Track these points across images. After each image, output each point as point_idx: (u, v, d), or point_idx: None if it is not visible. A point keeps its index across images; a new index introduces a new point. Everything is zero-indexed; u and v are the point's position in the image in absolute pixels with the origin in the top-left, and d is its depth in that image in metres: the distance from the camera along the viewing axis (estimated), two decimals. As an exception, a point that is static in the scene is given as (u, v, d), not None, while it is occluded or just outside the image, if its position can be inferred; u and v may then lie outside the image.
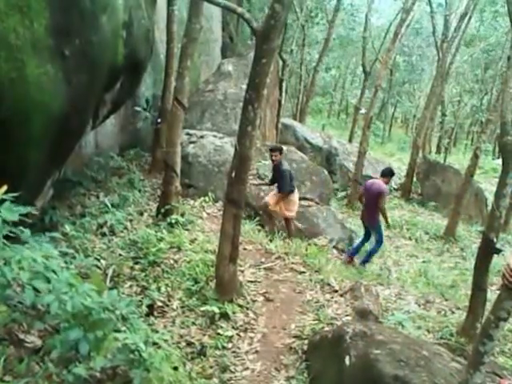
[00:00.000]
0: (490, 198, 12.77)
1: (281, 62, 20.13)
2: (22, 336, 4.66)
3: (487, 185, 18.60)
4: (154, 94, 13.32)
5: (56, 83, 5.35)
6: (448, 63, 20.63)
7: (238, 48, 20.67)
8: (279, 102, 19.07)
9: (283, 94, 20.36)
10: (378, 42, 28.38)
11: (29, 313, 4.60)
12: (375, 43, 27.49)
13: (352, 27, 33.91)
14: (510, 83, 7.32)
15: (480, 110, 31.23)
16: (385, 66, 17.98)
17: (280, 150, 10.22)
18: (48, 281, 4.14)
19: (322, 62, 25.96)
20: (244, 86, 7.78)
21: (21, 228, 4.25)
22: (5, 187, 3.98)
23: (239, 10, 6.89)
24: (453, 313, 7.96)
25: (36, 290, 4.07)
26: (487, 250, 6.94)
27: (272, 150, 10.21)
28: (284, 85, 20.45)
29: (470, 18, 20.72)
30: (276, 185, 10.35)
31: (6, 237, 4.10)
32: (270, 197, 10.29)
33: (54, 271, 4.24)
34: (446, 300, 8.48)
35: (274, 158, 10.04)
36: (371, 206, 9.84)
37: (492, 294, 7.86)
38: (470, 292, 7.25)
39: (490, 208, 7.68)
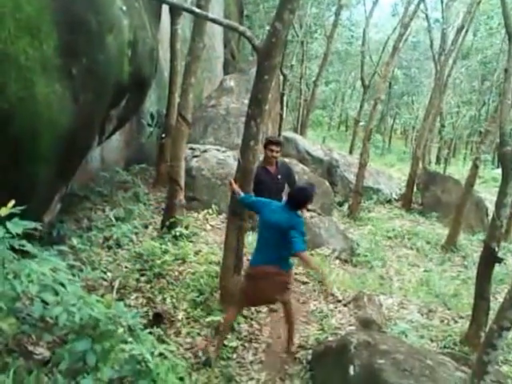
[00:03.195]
0: (491, 208, 12.82)
1: (281, 77, 20.28)
2: (31, 348, 4.73)
3: (487, 194, 18.59)
4: (158, 109, 13.46)
5: (64, 101, 5.48)
6: (446, 75, 20.70)
7: (239, 64, 20.80)
8: (280, 115, 19.21)
9: (284, 107, 20.51)
10: (376, 55, 28.50)
11: (37, 325, 4.66)
12: (373, 57, 27.63)
13: (350, 41, 34.09)
14: (508, 95, 7.43)
15: (478, 120, 31.36)
16: (384, 80, 18.07)
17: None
18: (56, 293, 4.22)
19: (322, 76, 26.10)
20: (246, 101, 7.88)
21: (27, 242, 4.34)
22: (12, 202, 4.07)
23: (241, 28, 7.03)
24: (456, 322, 7.99)
25: (44, 302, 4.16)
26: (489, 259, 7.01)
27: (277, 142, 7.94)
28: (285, 99, 20.63)
29: (467, 31, 20.85)
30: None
31: (16, 250, 4.20)
32: None
33: (62, 284, 4.32)
34: (449, 309, 8.51)
35: (276, 153, 7.85)
36: None
37: (495, 302, 7.95)
38: (472, 301, 7.30)
39: (490, 217, 7.74)
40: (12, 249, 4.13)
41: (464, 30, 19.33)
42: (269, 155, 7.77)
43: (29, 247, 4.39)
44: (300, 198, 6.07)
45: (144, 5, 8.09)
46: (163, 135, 11.92)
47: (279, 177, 7.87)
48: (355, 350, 5.39)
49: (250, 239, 9.15)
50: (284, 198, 7.06)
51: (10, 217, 4.04)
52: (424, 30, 29.55)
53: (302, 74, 26.18)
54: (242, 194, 6.63)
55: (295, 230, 5.72)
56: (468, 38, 25.18)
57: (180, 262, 8.23)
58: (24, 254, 4.40)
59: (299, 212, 6.14)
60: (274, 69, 6.52)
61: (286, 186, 7.97)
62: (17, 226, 4.07)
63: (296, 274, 8.55)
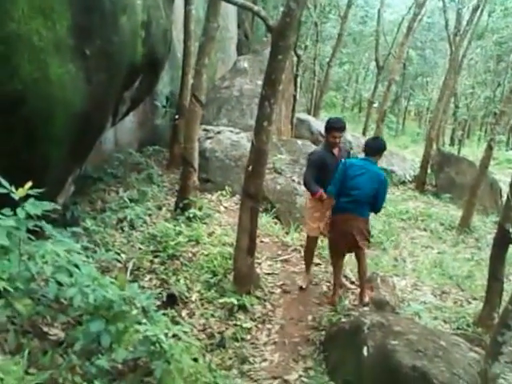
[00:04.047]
0: (505, 189, 12.71)
1: (295, 58, 20.13)
2: (45, 329, 4.74)
3: (502, 176, 18.47)
4: (171, 91, 13.42)
5: (77, 82, 5.47)
6: (460, 56, 20.54)
7: (253, 45, 20.70)
8: (294, 97, 19.07)
9: (298, 89, 20.39)
10: (390, 36, 28.29)
11: (52, 306, 4.66)
12: (388, 38, 27.42)
13: (364, 22, 33.83)
14: (523, 75, 7.34)
15: (493, 101, 31.03)
16: (398, 60, 17.97)
17: None
18: (70, 274, 4.26)
19: (336, 57, 25.89)
20: (259, 82, 7.84)
21: (44, 223, 4.36)
22: (29, 183, 4.08)
23: (255, 8, 7.00)
24: (469, 303, 7.98)
25: (59, 283, 4.18)
26: (503, 241, 6.95)
27: (340, 128, 7.42)
28: (298, 80, 20.48)
29: (482, 11, 20.63)
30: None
31: (31, 231, 4.22)
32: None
33: (76, 265, 4.35)
34: (462, 290, 8.49)
35: (339, 139, 7.51)
36: None
37: (509, 284, 7.92)
38: (486, 282, 7.27)
39: (504, 199, 7.70)
40: (26, 230, 4.15)
41: (479, 10, 19.15)
42: (331, 141, 7.41)
43: (48, 228, 4.43)
44: (378, 146, 7.21)
45: (157, -15, 8.04)
46: (176, 116, 11.90)
47: (342, 160, 7.31)
48: (369, 331, 5.41)
49: (263, 221, 9.17)
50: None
51: (24, 198, 4.04)
52: (439, 11, 29.22)
53: (315, 55, 26.01)
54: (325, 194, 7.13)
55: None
56: (483, 19, 24.93)
57: (194, 243, 8.25)
58: (38, 235, 4.42)
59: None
60: (288, 49, 6.49)
61: None
62: (35, 208, 4.09)
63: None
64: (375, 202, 7.00)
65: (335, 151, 7.48)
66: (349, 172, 6.87)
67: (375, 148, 7.16)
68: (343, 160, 7.12)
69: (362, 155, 7.24)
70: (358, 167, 6.92)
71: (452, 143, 31.62)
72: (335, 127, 7.34)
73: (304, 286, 7.62)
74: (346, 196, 6.85)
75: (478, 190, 13.04)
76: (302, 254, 8.27)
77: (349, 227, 6.90)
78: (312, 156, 7.62)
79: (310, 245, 7.82)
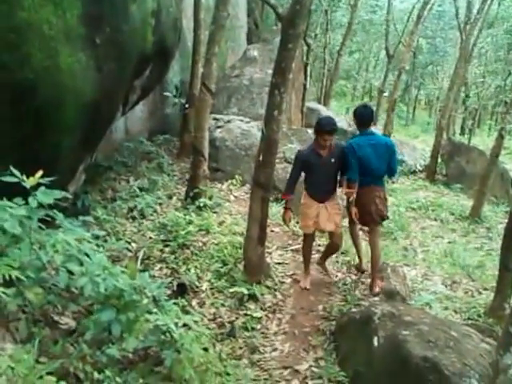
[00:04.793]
0: (516, 179, 12.70)
1: (305, 47, 20.07)
2: (56, 318, 4.76)
3: (512, 165, 18.44)
4: (181, 80, 13.43)
5: (88, 71, 5.48)
6: (471, 45, 20.40)
7: (262, 34, 20.66)
8: (304, 86, 19.05)
9: (308, 78, 20.33)
10: (400, 25, 28.16)
11: (63, 295, 4.67)
12: (398, 26, 27.28)
13: (374, 10, 33.66)
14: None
15: (504, 90, 30.84)
16: (408, 49, 17.90)
17: None
18: (81, 263, 4.28)
19: (346, 45, 25.78)
20: (269, 71, 7.80)
21: (55, 211, 4.37)
22: (40, 172, 4.09)
23: (266, -4, 6.97)
24: (480, 293, 7.94)
25: (70, 272, 4.21)
26: (514, 230, 6.94)
27: (330, 131, 6.89)
28: (308, 69, 20.40)
29: (493, -1, 20.51)
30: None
31: (41, 220, 4.24)
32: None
33: (86, 254, 4.37)
34: (473, 281, 8.45)
35: (329, 141, 7.00)
36: None
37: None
38: (497, 272, 7.23)
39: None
40: (37, 219, 4.16)
41: (490, -2, 19.01)
42: (321, 143, 6.95)
43: (59, 217, 4.44)
44: (371, 114, 7.20)
45: (167, -27, 8.02)
46: (187, 105, 11.89)
47: (332, 160, 7.03)
48: (379, 321, 5.39)
49: (274, 210, 9.16)
50: (338, 181, 7.36)
51: (35, 187, 4.05)
52: (449, -1, 29.13)
53: (325, 43, 25.90)
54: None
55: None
56: (494, 7, 24.76)
57: (204, 232, 8.26)
58: (48, 224, 4.43)
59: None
60: (298, 37, 6.46)
61: None
62: (47, 197, 4.10)
63: (319, 245, 8.57)
64: (391, 169, 7.19)
65: (323, 152, 7.02)
66: (360, 154, 6.88)
67: (370, 117, 7.18)
68: (349, 144, 7.13)
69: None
70: (365, 146, 6.95)
71: (462, 132, 31.46)
72: (326, 130, 6.87)
73: (308, 287, 7.45)
74: (367, 175, 6.91)
75: (488, 180, 12.99)
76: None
77: (373, 198, 7.08)
78: (297, 155, 7.24)
79: (306, 242, 7.60)
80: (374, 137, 7.14)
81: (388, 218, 7.64)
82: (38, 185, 4.09)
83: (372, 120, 7.24)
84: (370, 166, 6.92)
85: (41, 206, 4.09)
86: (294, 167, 7.28)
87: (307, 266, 7.61)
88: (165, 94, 12.53)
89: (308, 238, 7.58)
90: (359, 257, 7.92)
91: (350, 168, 6.97)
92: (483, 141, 25.59)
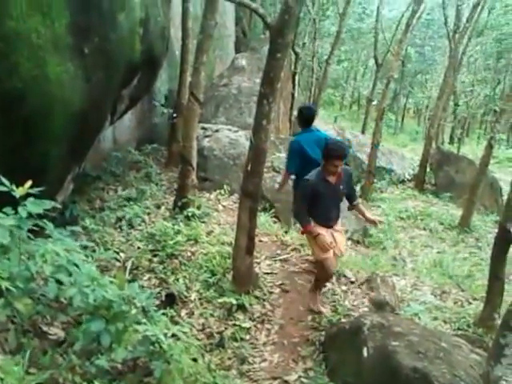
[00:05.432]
0: (505, 188, 12.77)
1: (293, 56, 20.14)
2: (45, 328, 4.77)
3: (502, 174, 18.52)
4: (169, 89, 13.39)
5: (76, 80, 5.46)
6: (460, 53, 20.57)
7: (251, 42, 20.70)
8: (292, 95, 19.11)
9: (296, 87, 20.39)
10: (389, 33, 28.31)
11: (52, 305, 4.70)
12: (386, 35, 27.42)
13: (362, 19, 33.87)
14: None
15: (493, 99, 31.07)
16: (397, 58, 17.94)
17: None
18: (70, 274, 4.27)
19: (334, 54, 25.84)
20: (258, 80, 7.81)
21: (45, 221, 4.35)
22: (30, 182, 4.07)
23: (253, 5, 6.97)
24: (469, 303, 7.95)
25: (59, 282, 4.19)
26: (504, 240, 6.95)
27: (342, 156, 6.29)
28: (297, 78, 20.48)
29: (483, 7, 20.66)
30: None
31: (30, 230, 4.22)
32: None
33: (75, 264, 4.35)
34: (463, 290, 8.47)
35: (340, 167, 6.36)
36: None
37: (510, 284, 7.91)
38: (486, 282, 7.25)
39: (505, 198, 7.69)
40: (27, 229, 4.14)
41: (479, 7, 19.18)
42: (330, 170, 6.32)
43: (49, 227, 4.42)
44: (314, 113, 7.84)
45: (155, -18, 8.03)
46: (175, 115, 11.87)
47: (341, 187, 6.56)
48: (369, 332, 5.38)
49: (262, 220, 9.15)
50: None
51: (23, 197, 4.03)
52: (438, 8, 29.31)
53: (314, 52, 25.99)
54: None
55: None
56: (483, 15, 24.97)
57: (192, 242, 8.21)
58: (37, 234, 4.41)
59: None
60: (286, 46, 6.45)
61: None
62: (36, 206, 4.08)
63: (308, 254, 8.55)
64: None
65: (332, 179, 6.43)
66: (304, 148, 7.46)
67: (313, 116, 7.83)
68: (294, 140, 7.81)
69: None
70: (309, 141, 7.48)
71: (451, 141, 31.66)
72: (336, 155, 6.24)
73: (324, 311, 6.94)
74: (311, 167, 6.83)
75: (477, 189, 13.07)
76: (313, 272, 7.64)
77: None
78: (305, 185, 6.51)
79: (326, 267, 6.67)
80: (315, 133, 7.68)
81: None
82: (27, 195, 4.06)
83: (314, 119, 7.84)
84: (313, 158, 7.15)
85: (30, 215, 4.06)
86: (301, 198, 6.56)
87: (320, 291, 7.24)
88: (153, 102, 12.53)
89: (327, 262, 6.61)
90: None
91: (292, 162, 7.63)
92: (472, 150, 25.74)
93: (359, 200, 7.11)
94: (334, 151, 6.21)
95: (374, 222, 6.82)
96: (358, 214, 7.07)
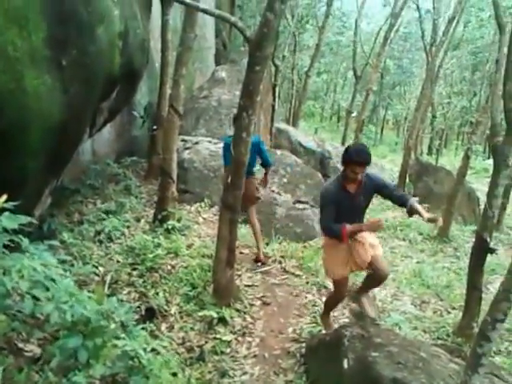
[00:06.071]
0: (482, 198, 12.84)
1: (273, 68, 20.22)
2: (21, 345, 4.69)
3: (479, 185, 18.71)
4: (149, 101, 13.35)
5: (54, 93, 5.40)
6: (437, 66, 20.80)
7: (231, 55, 20.76)
8: (273, 106, 19.16)
9: (276, 99, 20.47)
10: (367, 46, 28.57)
11: (28, 322, 4.61)
12: (365, 48, 27.67)
13: (342, 32, 34.11)
14: (499, 85, 7.46)
15: (469, 111, 31.43)
16: (376, 70, 18.14)
17: None
18: (47, 289, 4.16)
19: (314, 66, 26.04)
20: (237, 92, 7.82)
21: (20, 237, 4.29)
22: (4, 196, 4.02)
23: (233, 19, 6.96)
24: (448, 313, 8.02)
25: (36, 298, 4.11)
26: (481, 250, 7.02)
27: (364, 163, 5.54)
28: (277, 90, 20.56)
29: (458, 22, 20.94)
30: None
31: (6, 246, 4.14)
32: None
33: (53, 280, 4.26)
34: (442, 300, 8.53)
35: (361, 174, 5.65)
36: None
37: (487, 293, 7.96)
38: (464, 291, 7.31)
39: (482, 208, 7.76)
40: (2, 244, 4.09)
41: (455, 21, 19.41)
42: (350, 176, 5.66)
43: (25, 242, 4.35)
44: None
45: (135, -5, 8.01)
46: (154, 127, 11.86)
47: (362, 197, 5.91)
48: (349, 343, 5.36)
49: (243, 232, 9.14)
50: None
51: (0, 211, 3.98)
52: (415, 21, 29.62)
53: (293, 64, 26.19)
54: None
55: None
56: (459, 29, 25.28)
57: (172, 255, 8.18)
58: (12, 249, 4.35)
59: None
60: (265, 59, 6.46)
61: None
62: (11, 222, 4.02)
63: (289, 266, 8.57)
64: (265, 160, 8.54)
65: (351, 187, 5.79)
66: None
67: None
68: (225, 143, 8.15)
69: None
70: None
71: (430, 152, 31.96)
72: (356, 161, 5.54)
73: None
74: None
75: (455, 200, 13.16)
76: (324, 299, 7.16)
77: (253, 185, 8.41)
78: (326, 195, 5.84)
79: (339, 291, 6.36)
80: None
81: (260, 198, 8.69)
82: (3, 209, 4.01)
83: None
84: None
85: (5, 230, 4.01)
86: (326, 208, 5.81)
87: (329, 314, 6.80)
88: (133, 113, 12.51)
89: (340, 285, 6.27)
90: (258, 247, 8.71)
91: (225, 160, 8.01)
92: (450, 161, 25.97)
93: (413, 198, 6.10)
94: (355, 156, 5.53)
95: (434, 220, 5.89)
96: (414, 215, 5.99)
